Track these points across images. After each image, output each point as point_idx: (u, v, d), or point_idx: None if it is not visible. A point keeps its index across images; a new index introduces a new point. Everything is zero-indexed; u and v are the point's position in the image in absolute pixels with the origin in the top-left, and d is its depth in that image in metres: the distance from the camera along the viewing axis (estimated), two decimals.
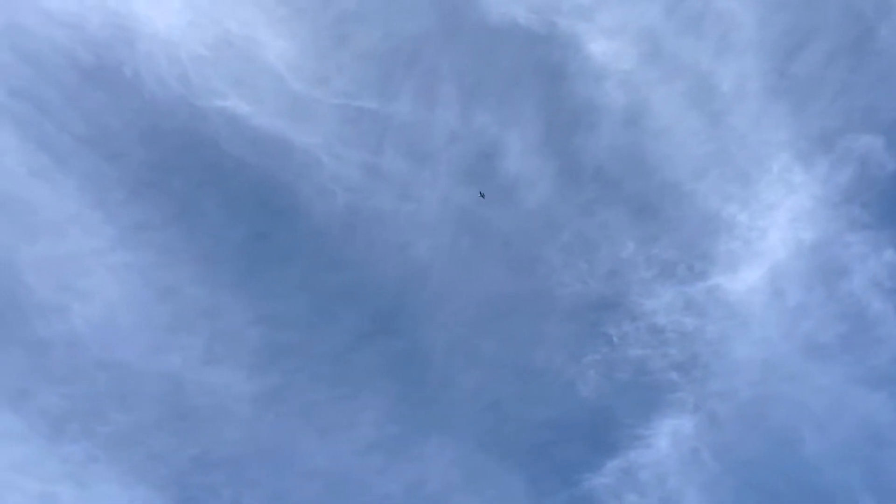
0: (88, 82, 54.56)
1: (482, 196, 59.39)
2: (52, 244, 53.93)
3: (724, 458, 59.66)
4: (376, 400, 59.21)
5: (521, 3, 59.18)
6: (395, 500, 57.98)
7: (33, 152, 53.39)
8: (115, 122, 55.27)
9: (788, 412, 59.57)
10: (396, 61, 58.76)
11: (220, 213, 57.69)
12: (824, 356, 59.23)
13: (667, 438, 60.15)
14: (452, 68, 59.36)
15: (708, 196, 60.70)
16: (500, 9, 58.89)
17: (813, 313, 59.45)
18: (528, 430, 61.14)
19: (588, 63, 59.83)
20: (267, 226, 58.74)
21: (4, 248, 52.77)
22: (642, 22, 60.06)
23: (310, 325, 58.72)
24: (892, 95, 59.10)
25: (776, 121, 59.94)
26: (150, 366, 55.46)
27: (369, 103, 58.49)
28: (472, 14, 59.03)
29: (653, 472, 59.80)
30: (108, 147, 55.34)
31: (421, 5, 58.90)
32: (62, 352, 53.56)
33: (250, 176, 57.47)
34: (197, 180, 57.32)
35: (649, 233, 61.24)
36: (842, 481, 58.05)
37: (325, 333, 59.05)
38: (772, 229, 60.44)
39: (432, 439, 59.37)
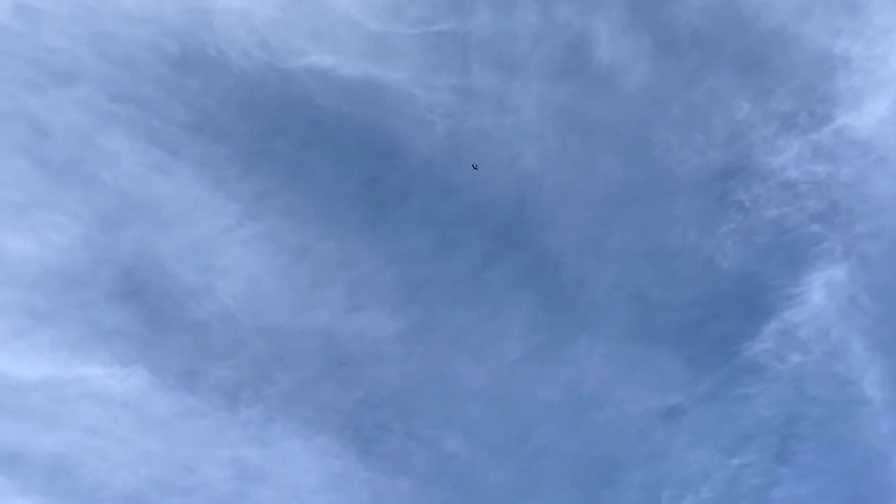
0: (179, 71, 55.73)
1: (475, 168, 58.34)
2: (184, 232, 56.14)
3: (884, 299, 56.97)
4: (518, 313, 59.48)
5: None
6: (556, 404, 58.55)
7: (146, 150, 55.33)
8: (213, 103, 56.41)
9: None
10: None
11: (329, 167, 58.43)
12: None
13: (820, 292, 57.84)
14: None
15: (815, 35, 56.65)
16: None
17: None
18: (675, 312, 60.15)
19: None
20: (376, 169, 59.07)
21: (145, 245, 55.29)
22: None
23: (439, 255, 59.25)
24: None
25: None
26: (300, 324, 57.41)
27: (447, 25, 57.26)
28: None
29: (812, 328, 57.83)
30: (212, 129, 56.71)
31: None
32: (219, 328, 56.07)
33: (349, 125, 57.75)
34: (301, 141, 58.08)
35: (762, 88, 57.99)
36: None
37: (455, 259, 59.52)
38: (892, 55, 55.99)
39: (580, 340, 59.34)
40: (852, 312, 57.36)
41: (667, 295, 59.93)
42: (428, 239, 59.16)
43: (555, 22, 57.89)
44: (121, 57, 54.98)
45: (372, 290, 58.51)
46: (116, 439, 52.29)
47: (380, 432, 56.96)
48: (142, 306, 54.97)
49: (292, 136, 57.78)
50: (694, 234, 59.34)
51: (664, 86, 58.57)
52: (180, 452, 53.13)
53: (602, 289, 59.75)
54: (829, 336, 57.59)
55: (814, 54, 56.85)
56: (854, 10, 56.23)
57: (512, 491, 57.29)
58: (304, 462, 54.78)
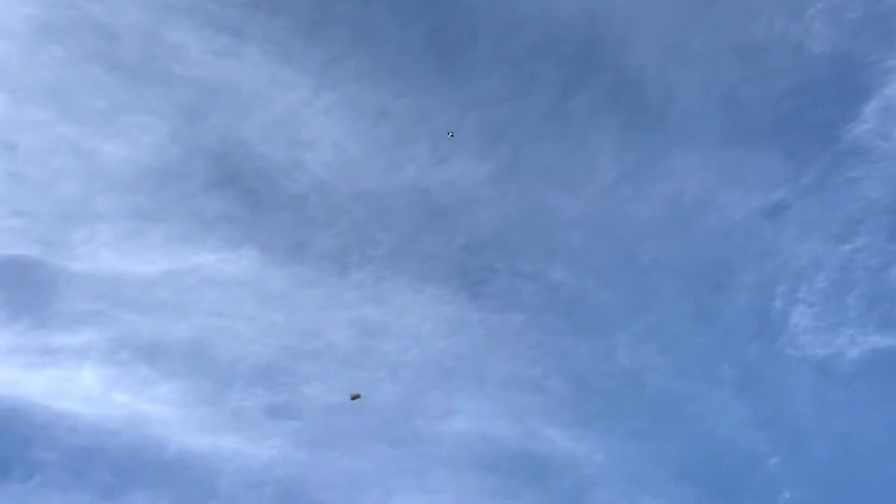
0: None
1: (451, 135, 54.90)
2: (264, 111, 56.34)
3: None
4: (606, 136, 58.03)
5: None
6: (658, 220, 57.61)
7: (210, 37, 55.01)
8: None
9: None
10: None
11: (392, 22, 57.01)
12: None
13: None
14: None
15: None
16: None
17: None
18: (768, 107, 57.46)
19: None
20: (439, 16, 57.32)
21: (229, 130, 55.84)
22: None
23: (516, 93, 57.79)
24: None
25: None
26: (392, 184, 57.58)
27: None
28: None
29: None
30: (269, 4, 55.76)
31: None
32: (315, 199, 56.78)
33: None
34: (359, 1, 56.56)
35: None
36: None
37: (534, 94, 57.94)
38: None
39: (674, 152, 57.62)
40: None
41: (758, 91, 57.13)
42: (502, 78, 57.59)
43: None
44: None
45: (454, 138, 57.72)
46: (241, 317, 54.37)
47: (485, 274, 57.42)
48: (238, 190, 56.00)
49: None
50: (780, 21, 55.83)
51: None
52: (302, 320, 54.97)
53: (690, 96, 57.37)
54: None
55: None
56: None
57: (624, 310, 57.40)
58: (418, 312, 55.97)
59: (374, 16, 56.73)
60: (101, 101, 54.34)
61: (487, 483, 54.89)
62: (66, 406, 51.13)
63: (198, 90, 55.10)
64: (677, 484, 56.17)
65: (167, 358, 53.54)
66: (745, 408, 56.53)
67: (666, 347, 57.19)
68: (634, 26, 57.09)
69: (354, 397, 49.93)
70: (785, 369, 56.70)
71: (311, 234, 56.80)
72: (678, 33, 56.87)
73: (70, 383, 51.63)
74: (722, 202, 57.30)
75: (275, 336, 55.07)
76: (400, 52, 57.39)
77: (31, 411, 50.58)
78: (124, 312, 53.30)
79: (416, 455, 54.53)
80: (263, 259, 55.51)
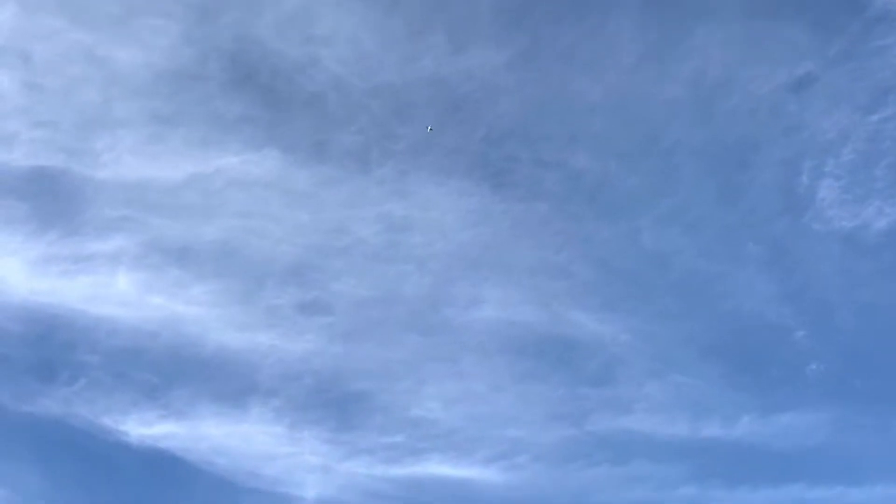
0: None
1: (430, 130, 53.97)
2: (275, 9, 55.13)
3: None
4: (625, 16, 56.54)
5: None
6: (681, 100, 56.60)
7: None
8: None
9: None
10: None
11: None
12: None
13: None
14: None
15: None
16: None
17: None
18: None
19: None
20: None
21: (243, 29, 54.96)
22: None
23: None
24: None
25: None
26: (409, 77, 56.74)
27: None
28: None
29: None
30: None
31: None
32: (334, 97, 56.19)
33: None
34: None
35: None
36: None
37: None
38: None
39: (696, 30, 56.28)
40: None
41: None
42: None
43: None
44: None
45: (471, 27, 56.40)
46: (268, 218, 54.56)
47: (508, 164, 56.97)
48: (256, 90, 55.41)
49: None
50: None
51: None
52: (329, 218, 55.09)
53: None
54: None
55: None
56: None
57: (647, 193, 56.95)
58: (442, 205, 55.86)
59: None
60: (112, 6, 53.39)
61: (517, 367, 55.72)
62: (104, 311, 52.06)
63: None
64: (704, 360, 56.77)
65: (198, 260, 54.09)
66: (772, 283, 56.54)
67: (691, 228, 56.91)
68: None
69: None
70: (811, 244, 56.41)
71: (331, 131, 56.28)
72: None
73: (105, 288, 52.42)
74: (746, 78, 55.93)
75: (302, 235, 55.33)
76: None
77: (71, 317, 51.59)
78: (152, 217, 53.62)
79: (447, 343, 55.30)
80: (286, 159, 55.29)
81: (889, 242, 55.65)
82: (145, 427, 51.22)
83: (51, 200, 53.08)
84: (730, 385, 56.81)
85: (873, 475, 56.34)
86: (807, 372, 58.34)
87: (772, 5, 55.83)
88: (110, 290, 52.60)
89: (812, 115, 55.53)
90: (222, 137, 54.97)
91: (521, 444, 54.64)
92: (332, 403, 53.86)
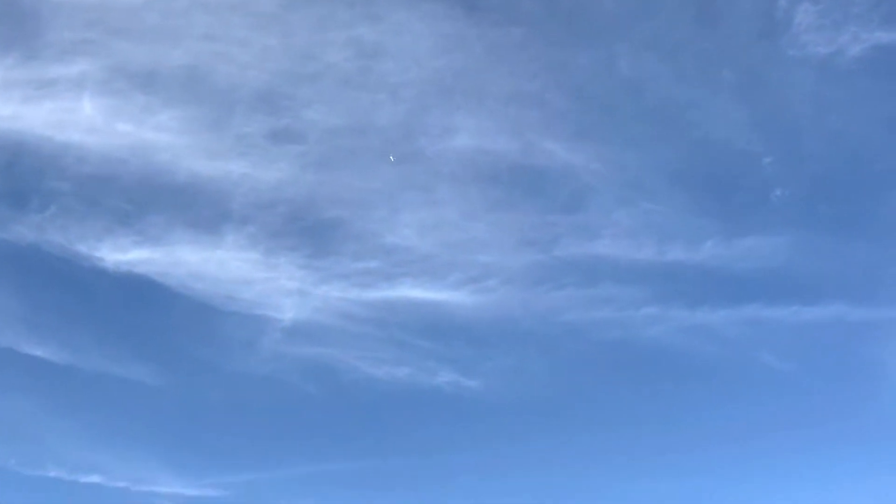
0: None
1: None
2: None
3: None
4: None
5: None
6: None
7: None
8: None
9: None
10: None
11: None
12: None
13: None
14: None
15: None
16: None
17: None
18: None
19: None
20: None
21: None
22: None
23: None
24: None
25: None
26: None
27: None
28: None
29: None
30: None
31: None
32: None
33: None
34: None
35: None
36: None
37: None
38: None
39: None
40: None
41: None
42: None
43: None
44: None
45: None
46: (235, 42, 52.60)
47: None
48: None
49: None
50: None
51: None
52: (297, 43, 53.24)
53: None
54: None
55: None
56: None
57: (624, 18, 55.51)
58: (416, 30, 54.03)
59: None
60: None
61: (489, 195, 55.92)
62: (71, 137, 50.74)
63: None
64: (672, 187, 57.38)
65: (164, 86, 52.39)
66: (743, 110, 56.39)
67: (667, 55, 55.88)
68: None
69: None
70: (785, 70, 55.81)
71: None
72: None
73: (71, 114, 50.85)
74: None
75: (271, 60, 53.51)
76: None
77: (37, 143, 50.26)
78: (116, 41, 51.36)
79: (421, 172, 55.10)
80: None
81: (863, 69, 55.19)
82: (120, 253, 51.23)
83: (8, 23, 50.47)
84: (695, 211, 57.70)
85: (828, 296, 58.52)
86: (771, 197, 59.25)
87: None
88: (76, 115, 51.05)
89: None
90: None
91: (492, 268, 55.74)
92: (307, 231, 54.09)
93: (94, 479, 49.60)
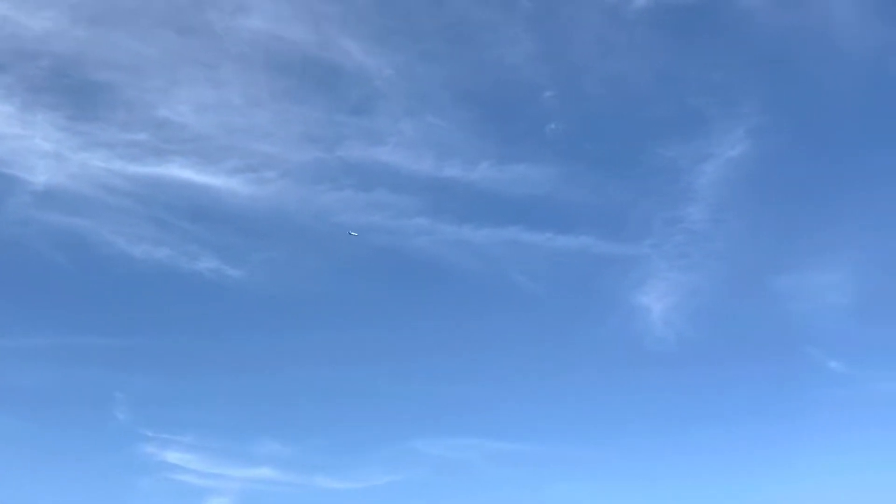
0: None
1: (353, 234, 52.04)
2: None
3: None
4: None
5: None
6: None
7: None
8: None
9: None
10: None
11: None
12: None
13: None
14: None
15: None
16: None
17: None
18: None
19: None
20: None
21: None
22: None
23: None
24: None
25: None
26: None
27: None
28: None
29: None
30: None
31: None
32: None
33: None
34: None
35: None
36: None
37: None
38: None
39: None
40: None
41: None
42: None
43: None
44: None
45: None
46: None
47: None
48: None
49: None
50: None
51: None
52: None
53: None
54: None
55: None
56: None
57: None
58: None
59: None
60: None
61: (278, 83, 54.05)
62: None
63: None
64: (457, 105, 58.29)
65: None
66: (535, 42, 57.71)
67: None
68: None
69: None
70: (578, 10, 57.74)
71: None
72: None
73: None
74: None
75: None
76: None
77: None
78: None
79: (206, 48, 51.99)
80: None
81: (646, 20, 58.35)
82: None
83: None
84: (476, 132, 59.20)
85: (581, 227, 62.96)
86: (546, 130, 62.02)
87: None
88: None
89: None
90: None
91: (272, 160, 54.30)
92: (72, 90, 49.83)
93: None
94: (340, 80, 54.42)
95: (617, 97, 60.71)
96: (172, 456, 48.42)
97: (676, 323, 63.63)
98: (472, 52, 57.57)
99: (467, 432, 56.68)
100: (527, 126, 60.45)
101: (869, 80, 66.44)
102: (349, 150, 55.55)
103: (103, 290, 53.61)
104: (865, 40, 63.47)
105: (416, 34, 55.87)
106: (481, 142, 59.01)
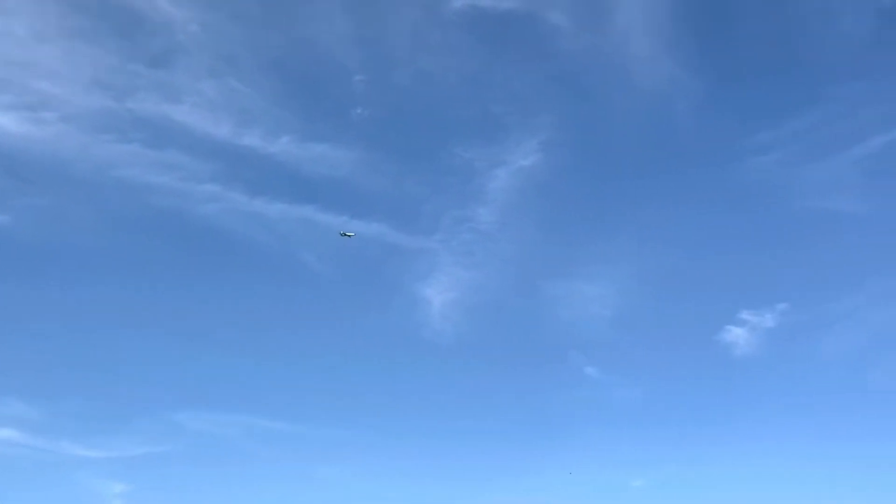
0: None
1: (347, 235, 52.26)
2: None
3: None
4: None
5: None
6: None
7: None
8: None
9: None
10: None
11: None
12: None
13: None
14: None
15: None
16: None
17: None
18: None
19: None
20: None
21: None
22: None
23: None
24: None
25: None
26: None
27: None
28: None
29: None
30: None
31: None
32: None
33: None
34: None
35: None
36: None
37: None
38: None
39: None
40: None
41: None
42: None
43: None
44: None
45: None
46: None
47: None
48: None
49: None
50: None
51: None
52: None
53: None
54: None
55: None
56: None
57: None
58: None
59: None
60: None
61: (70, 20, 50.80)
62: None
63: None
64: (265, 74, 57.65)
65: None
66: (352, 24, 57.73)
67: None
68: None
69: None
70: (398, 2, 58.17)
71: None
72: None
73: None
74: None
75: None
76: None
77: None
78: None
79: None
80: None
81: (461, 22, 59.75)
82: None
83: None
84: (281, 104, 58.13)
85: (376, 214, 63.35)
86: (352, 113, 61.94)
87: None
88: None
89: None
90: None
91: (53, 100, 50.58)
92: None
93: None
94: (141, 27, 51.72)
95: (425, 92, 61.72)
96: None
97: (454, 317, 65.54)
98: (287, 23, 56.65)
99: (233, 408, 55.45)
100: (333, 107, 60.16)
101: (653, 111, 71.53)
102: (141, 102, 52.92)
103: None
104: (655, 74, 68.43)
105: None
106: (285, 115, 58.08)
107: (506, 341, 65.94)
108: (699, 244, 76.22)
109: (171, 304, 57.39)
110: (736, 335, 72.30)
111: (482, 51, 63.19)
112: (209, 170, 56.42)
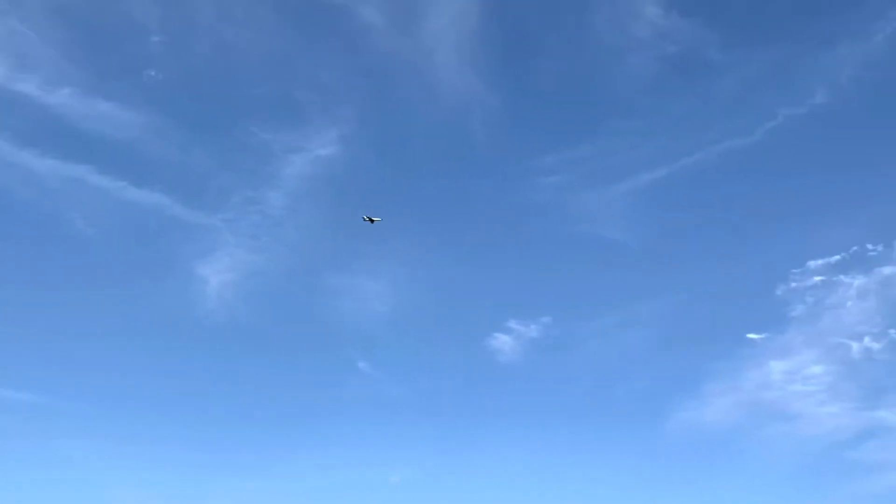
0: None
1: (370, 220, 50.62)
2: None
3: None
4: None
5: None
6: None
7: None
8: None
9: None
10: None
11: None
12: None
13: None
14: None
15: None
16: None
17: None
18: None
19: None
20: None
21: None
22: None
23: None
24: None
25: None
26: None
27: None
28: None
29: None
30: None
31: None
32: None
33: None
34: None
35: None
36: None
37: None
38: None
39: None
40: None
41: None
42: None
43: None
44: None
45: None
46: None
47: None
48: None
49: None
50: None
51: None
52: None
53: None
54: None
55: None
56: None
57: None
58: None
59: None
60: None
61: None
62: None
63: None
64: (50, 19, 53.48)
65: None
66: None
67: None
68: None
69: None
70: None
71: None
72: None
73: None
74: None
75: None
76: None
77: None
78: None
79: None
80: None
81: (276, 1, 58.26)
82: None
83: None
84: (67, 54, 54.24)
85: (159, 184, 60.55)
86: (144, 75, 58.71)
87: None
88: None
89: None
90: None
91: None
92: None
93: None
94: None
95: (226, 65, 59.89)
96: None
97: (230, 299, 64.07)
98: None
99: None
100: (125, 64, 56.98)
101: (452, 119, 73.82)
102: None
103: None
104: (458, 84, 70.76)
105: None
106: (69, 66, 54.23)
107: (281, 329, 65.14)
108: (478, 253, 79.84)
109: None
110: (503, 342, 76.46)
111: (291, 33, 62.34)
112: None
